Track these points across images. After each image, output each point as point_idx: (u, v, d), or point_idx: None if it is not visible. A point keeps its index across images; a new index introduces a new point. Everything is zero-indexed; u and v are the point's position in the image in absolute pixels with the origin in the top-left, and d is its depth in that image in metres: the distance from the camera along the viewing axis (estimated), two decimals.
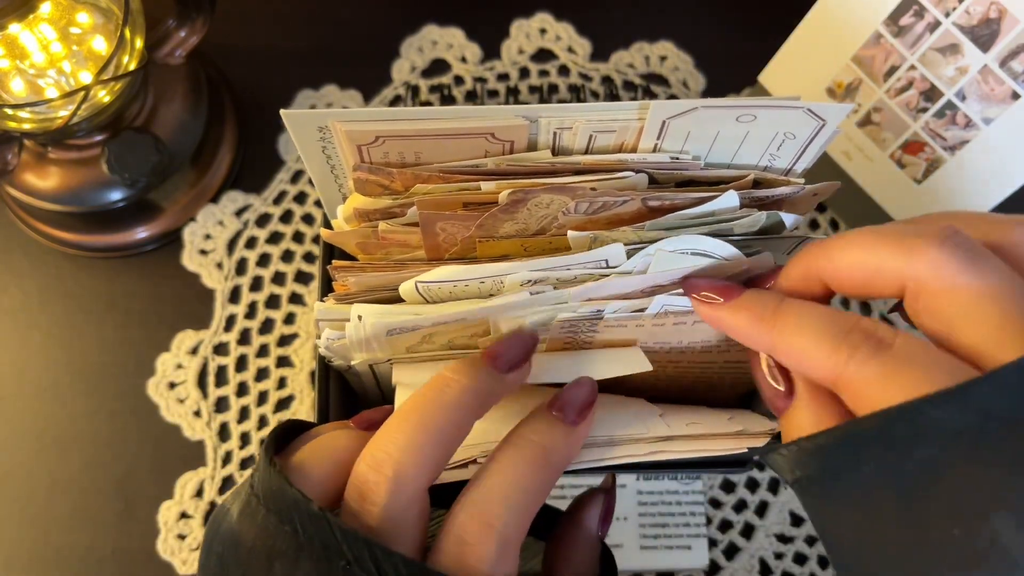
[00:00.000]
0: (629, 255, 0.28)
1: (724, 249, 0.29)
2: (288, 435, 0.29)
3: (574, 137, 0.30)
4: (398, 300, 0.30)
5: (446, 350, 0.31)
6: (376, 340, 0.29)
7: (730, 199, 0.29)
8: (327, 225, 0.33)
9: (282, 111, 0.29)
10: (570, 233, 0.29)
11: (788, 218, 0.30)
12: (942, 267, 0.24)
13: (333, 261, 0.31)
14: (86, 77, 0.46)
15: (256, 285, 0.53)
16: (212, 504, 0.49)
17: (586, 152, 0.30)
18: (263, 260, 0.53)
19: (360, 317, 0.29)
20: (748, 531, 0.49)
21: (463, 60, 0.57)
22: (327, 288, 0.34)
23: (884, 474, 0.23)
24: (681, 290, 0.29)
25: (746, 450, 0.29)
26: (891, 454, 0.23)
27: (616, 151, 0.30)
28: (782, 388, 0.27)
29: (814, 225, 0.53)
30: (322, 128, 0.29)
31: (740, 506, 0.49)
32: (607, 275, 0.28)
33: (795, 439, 0.25)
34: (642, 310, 0.29)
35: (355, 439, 0.28)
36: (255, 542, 0.25)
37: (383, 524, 0.25)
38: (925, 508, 0.22)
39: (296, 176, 0.55)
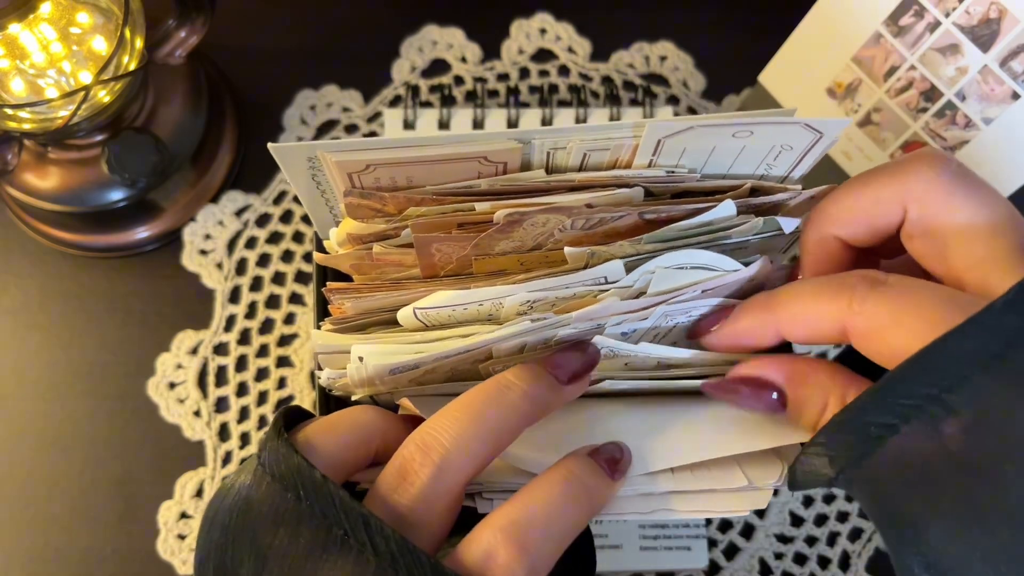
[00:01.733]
0: (628, 269, 0.28)
1: (723, 261, 0.29)
2: (294, 420, 0.29)
3: (568, 156, 0.29)
4: (396, 322, 0.30)
5: (448, 380, 0.31)
6: (379, 378, 0.29)
7: (727, 208, 0.29)
8: (320, 248, 0.33)
9: (270, 145, 0.28)
10: (567, 249, 0.28)
11: (785, 223, 0.30)
12: (933, 181, 0.26)
13: (328, 283, 0.31)
14: (86, 77, 0.46)
15: (256, 285, 0.53)
16: None
17: (580, 170, 0.30)
18: (263, 260, 0.53)
19: (361, 359, 0.29)
20: (748, 531, 0.49)
21: (463, 60, 0.57)
22: (323, 311, 0.34)
23: (925, 422, 0.23)
24: (680, 298, 0.29)
25: (748, 512, 0.29)
26: (928, 400, 0.23)
27: (611, 168, 0.30)
28: (769, 394, 0.28)
29: None
30: (311, 158, 0.29)
31: None
32: (607, 291, 0.28)
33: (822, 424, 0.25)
34: (645, 319, 0.29)
35: (379, 415, 0.29)
36: (261, 507, 0.25)
37: (415, 505, 0.25)
38: (971, 449, 0.22)
39: None
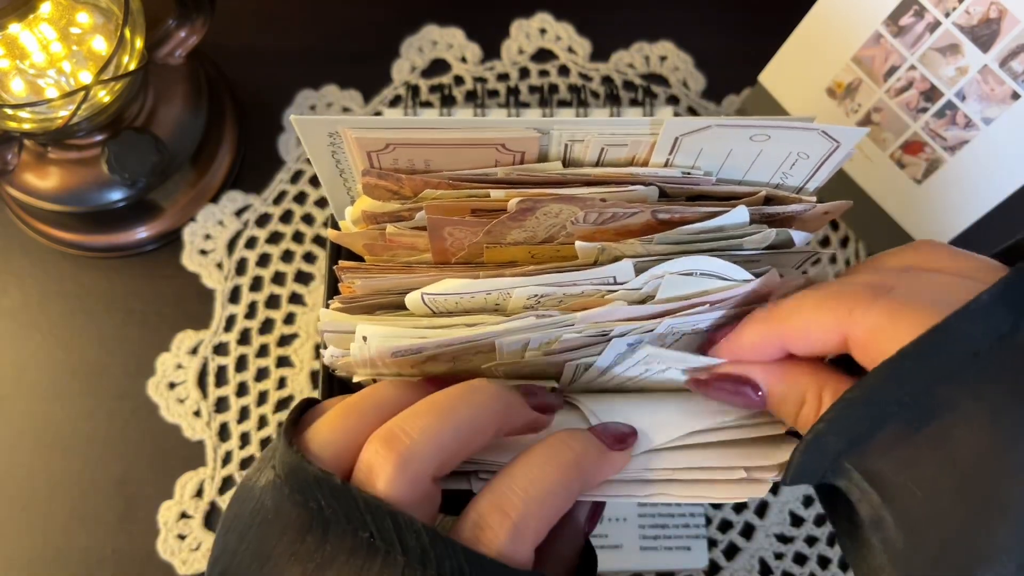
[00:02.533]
0: (637, 270, 0.28)
1: (732, 270, 0.29)
2: (302, 413, 0.29)
3: (585, 149, 0.30)
4: (404, 306, 0.30)
5: (450, 371, 0.31)
6: (381, 360, 0.29)
7: (740, 214, 0.29)
8: (335, 226, 0.33)
9: (293, 117, 0.29)
10: (578, 243, 0.29)
11: (798, 236, 0.30)
12: (875, 326, 0.25)
13: (340, 261, 0.31)
14: (86, 77, 0.46)
15: (256, 285, 0.53)
16: (212, 504, 0.49)
17: (597, 164, 0.30)
18: (263, 260, 0.53)
19: (365, 339, 0.29)
20: (748, 531, 0.49)
21: (463, 60, 0.57)
22: (333, 289, 0.34)
23: (913, 418, 0.23)
24: (687, 312, 0.29)
25: (746, 500, 0.29)
26: (916, 396, 0.23)
27: (628, 164, 0.30)
28: (747, 390, 0.28)
29: (825, 242, 0.53)
30: (332, 134, 0.29)
31: (740, 506, 0.49)
32: (615, 291, 0.28)
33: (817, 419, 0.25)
34: (651, 330, 0.29)
35: (396, 390, 0.29)
36: (288, 518, 0.25)
37: (384, 498, 0.25)
38: (955, 441, 0.23)
39: (296, 176, 0.55)
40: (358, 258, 0.33)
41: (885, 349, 0.24)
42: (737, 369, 0.29)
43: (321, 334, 0.31)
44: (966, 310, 0.23)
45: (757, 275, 0.29)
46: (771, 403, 0.28)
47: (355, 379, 0.32)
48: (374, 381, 0.32)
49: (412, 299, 0.29)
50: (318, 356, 0.51)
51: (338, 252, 0.35)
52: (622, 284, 0.28)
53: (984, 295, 0.23)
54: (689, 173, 0.30)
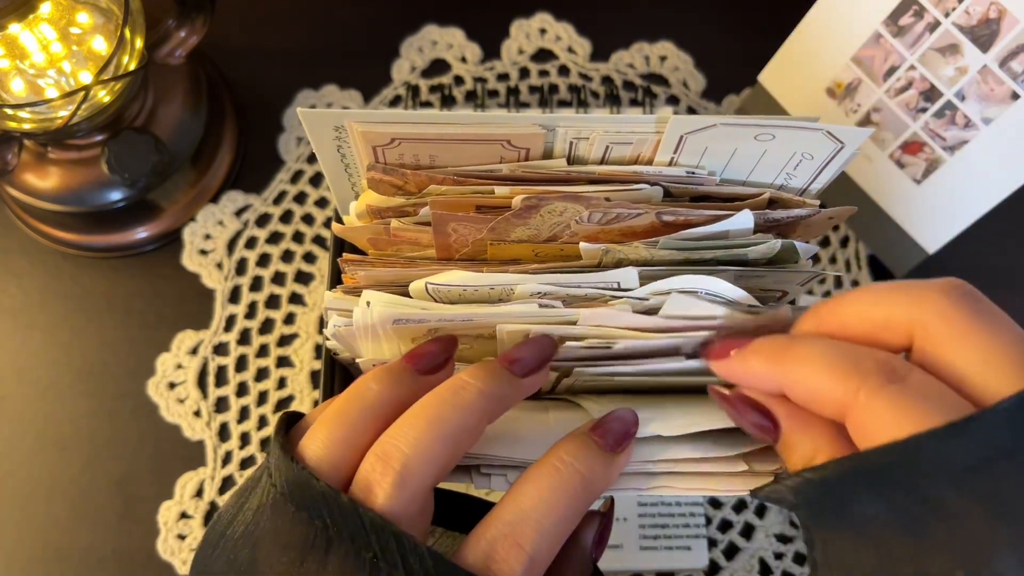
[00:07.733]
0: (642, 278, 0.28)
1: (737, 293, 0.28)
2: (288, 428, 0.29)
3: (590, 147, 0.30)
4: (407, 296, 0.30)
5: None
6: (382, 328, 0.29)
7: (745, 219, 0.29)
8: (339, 220, 0.33)
9: (299, 110, 0.29)
10: (582, 244, 0.29)
11: (802, 247, 0.30)
12: (950, 316, 0.24)
13: (343, 254, 0.31)
14: (86, 77, 0.46)
15: (256, 285, 0.53)
16: (212, 504, 0.49)
17: (602, 162, 0.30)
18: (263, 260, 0.53)
19: (369, 303, 0.29)
20: (748, 531, 0.49)
21: (463, 60, 0.57)
22: (336, 280, 0.34)
23: (890, 510, 0.23)
24: (691, 332, 0.29)
25: (747, 492, 0.29)
26: (897, 490, 0.23)
27: (632, 163, 0.30)
28: (767, 424, 0.27)
29: (825, 242, 0.53)
30: (338, 127, 0.29)
31: (740, 506, 0.49)
32: (619, 298, 0.28)
33: (798, 470, 0.25)
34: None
35: (381, 384, 0.28)
36: (290, 537, 0.25)
37: (384, 515, 0.25)
38: (929, 547, 0.22)
39: (296, 176, 0.55)
40: (362, 253, 0.33)
41: (878, 439, 0.23)
42: (764, 400, 0.28)
43: (325, 312, 0.31)
44: (969, 422, 0.22)
45: (762, 300, 0.29)
46: (781, 444, 0.27)
47: (358, 360, 0.31)
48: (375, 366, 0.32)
49: (416, 287, 0.29)
50: (318, 356, 0.51)
51: (341, 247, 0.35)
52: (626, 291, 0.28)
53: (987, 413, 0.22)
54: (693, 173, 0.30)
